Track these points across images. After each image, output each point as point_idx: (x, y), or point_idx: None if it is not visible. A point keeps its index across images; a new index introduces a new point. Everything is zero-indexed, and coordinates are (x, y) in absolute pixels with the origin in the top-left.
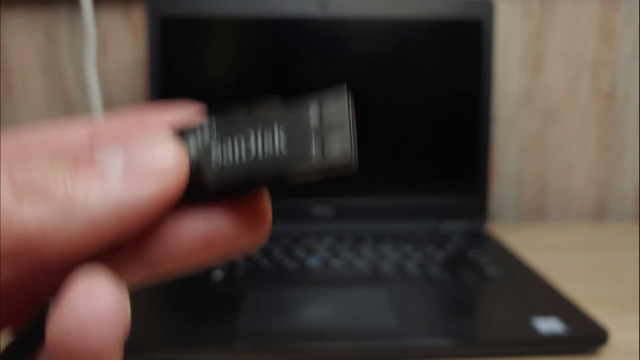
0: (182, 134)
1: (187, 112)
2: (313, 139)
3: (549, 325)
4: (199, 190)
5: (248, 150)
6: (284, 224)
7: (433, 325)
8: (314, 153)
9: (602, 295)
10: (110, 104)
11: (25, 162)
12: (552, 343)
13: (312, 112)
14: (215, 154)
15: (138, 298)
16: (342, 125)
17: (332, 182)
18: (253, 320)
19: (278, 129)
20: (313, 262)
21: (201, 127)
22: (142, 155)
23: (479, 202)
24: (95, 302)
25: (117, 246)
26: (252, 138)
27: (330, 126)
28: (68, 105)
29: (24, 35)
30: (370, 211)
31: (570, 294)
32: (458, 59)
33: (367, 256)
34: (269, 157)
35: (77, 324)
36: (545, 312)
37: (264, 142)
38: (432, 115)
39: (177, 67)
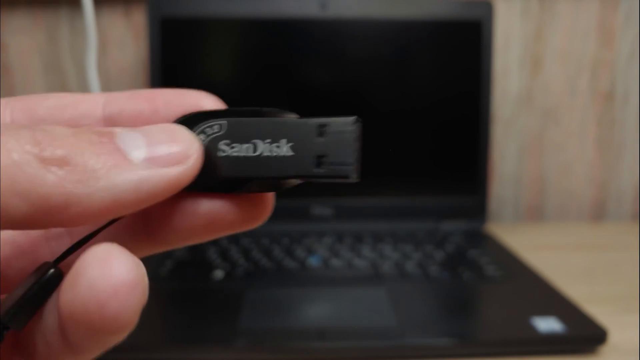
0: (195, 124)
1: (199, 99)
2: (316, 155)
3: (548, 324)
4: (206, 177)
5: (255, 152)
6: (284, 224)
7: (432, 325)
8: (315, 168)
9: (601, 294)
10: None
11: (49, 130)
12: (551, 342)
13: (321, 129)
14: (224, 148)
15: None
16: (348, 146)
17: (333, 183)
18: (253, 319)
19: (287, 141)
20: (313, 261)
21: (213, 122)
22: (162, 144)
23: (478, 202)
24: (114, 273)
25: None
26: (260, 144)
27: (336, 146)
28: None
29: (25, 35)
30: (370, 211)
31: (569, 293)
32: (457, 59)
33: (366, 256)
34: (273, 162)
35: (95, 296)
36: (544, 312)
37: (271, 149)
38: (431, 115)
39: (177, 67)
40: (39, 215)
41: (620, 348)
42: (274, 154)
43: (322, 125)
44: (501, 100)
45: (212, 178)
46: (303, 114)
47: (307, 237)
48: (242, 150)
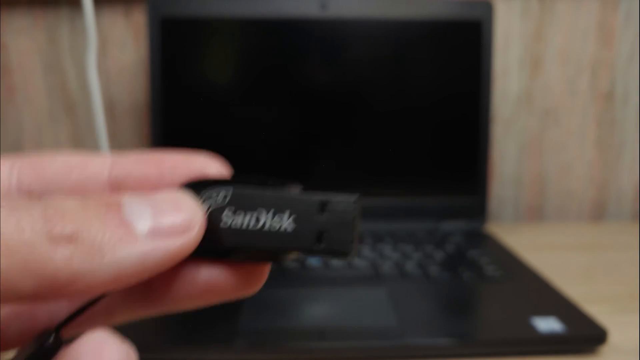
0: (200, 191)
1: (205, 164)
2: (317, 231)
3: (548, 324)
4: (207, 244)
5: (257, 224)
6: None
7: (432, 325)
8: (315, 244)
9: (601, 294)
10: (111, 105)
11: (59, 206)
12: (551, 342)
13: (322, 206)
14: (227, 217)
15: None
16: (348, 225)
17: (332, 183)
18: (253, 319)
19: (289, 216)
20: (313, 261)
21: (218, 190)
22: (167, 215)
23: (478, 202)
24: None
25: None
26: (263, 216)
27: (336, 224)
28: (69, 105)
29: (25, 36)
30: (370, 211)
31: (569, 293)
32: (457, 59)
33: (367, 256)
34: (274, 235)
35: None
36: (544, 312)
37: (273, 222)
38: (431, 115)
39: (177, 67)
40: (44, 291)
41: (620, 348)
42: (276, 226)
43: (324, 203)
44: (501, 100)
45: (213, 246)
46: (303, 114)
47: None
48: (244, 220)
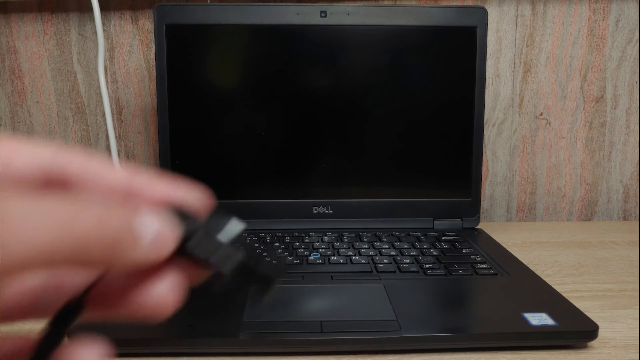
0: (180, 214)
1: (192, 194)
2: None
3: (539, 320)
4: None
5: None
6: (286, 222)
7: (429, 319)
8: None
9: (592, 291)
10: (119, 108)
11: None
12: (542, 337)
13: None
14: (194, 241)
15: None
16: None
17: (332, 183)
18: (256, 313)
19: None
20: (314, 258)
21: (195, 221)
22: (165, 232)
23: (472, 201)
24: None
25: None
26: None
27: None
28: (78, 109)
29: (35, 41)
30: (368, 210)
31: (560, 290)
32: (453, 64)
33: (365, 253)
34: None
35: None
36: (536, 308)
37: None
38: (427, 118)
39: (183, 72)
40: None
41: (610, 343)
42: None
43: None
44: (494, 103)
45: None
46: (304, 118)
47: (308, 235)
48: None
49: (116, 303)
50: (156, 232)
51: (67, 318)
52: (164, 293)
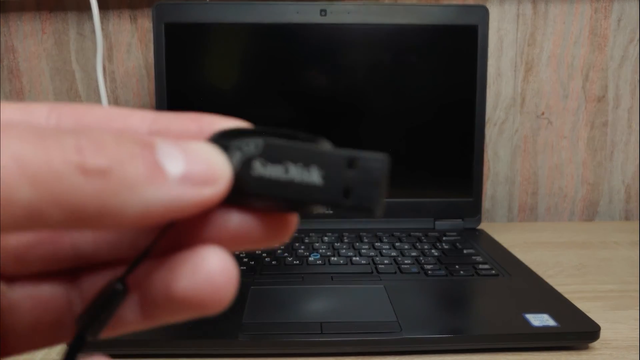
0: (231, 140)
1: (239, 122)
2: (345, 186)
3: (541, 321)
4: (237, 193)
5: (286, 175)
6: None
7: (429, 320)
8: (342, 199)
9: (593, 292)
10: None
11: (93, 138)
12: (544, 338)
13: (351, 162)
14: (258, 167)
15: None
16: (376, 182)
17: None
18: (256, 314)
19: (317, 169)
20: (314, 258)
21: (248, 141)
22: (198, 164)
23: (473, 201)
24: (227, 266)
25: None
26: (292, 168)
27: (364, 180)
28: None
29: (33, 40)
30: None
31: (561, 290)
32: (454, 63)
33: (366, 253)
34: (303, 187)
35: (212, 284)
36: (538, 309)
37: (302, 174)
38: (428, 117)
39: (182, 71)
40: (71, 222)
41: (612, 344)
42: (305, 179)
43: (353, 159)
44: (495, 103)
45: (242, 194)
46: (303, 118)
47: (308, 236)
48: (274, 171)
49: (192, 241)
50: (195, 159)
51: (105, 308)
52: (217, 267)
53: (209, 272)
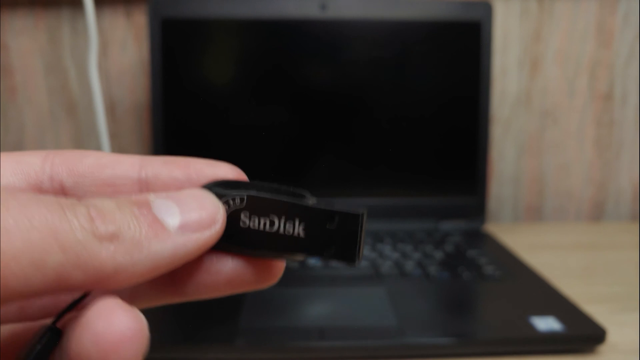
0: (219, 192)
1: (228, 171)
2: (326, 239)
3: (547, 324)
4: (226, 243)
5: (272, 227)
6: None
7: (432, 324)
8: (324, 250)
9: (600, 294)
10: (112, 105)
11: (98, 206)
12: (550, 342)
13: (331, 217)
14: (244, 219)
15: None
16: (353, 236)
17: (333, 183)
18: (254, 318)
19: (300, 223)
20: (313, 261)
21: (236, 193)
22: (193, 211)
23: (477, 202)
24: (116, 327)
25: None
26: (277, 221)
27: (343, 235)
28: (70, 106)
29: (27, 36)
30: (370, 211)
31: (568, 293)
32: (457, 60)
33: (367, 255)
34: (287, 239)
35: (99, 348)
36: (543, 311)
37: (286, 227)
38: (431, 115)
39: (178, 68)
40: (90, 283)
41: (619, 347)
42: (288, 232)
43: (332, 214)
44: (500, 100)
45: (232, 243)
46: (303, 115)
47: None
48: (260, 223)
49: (189, 283)
50: (190, 210)
51: (42, 350)
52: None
53: (95, 336)
